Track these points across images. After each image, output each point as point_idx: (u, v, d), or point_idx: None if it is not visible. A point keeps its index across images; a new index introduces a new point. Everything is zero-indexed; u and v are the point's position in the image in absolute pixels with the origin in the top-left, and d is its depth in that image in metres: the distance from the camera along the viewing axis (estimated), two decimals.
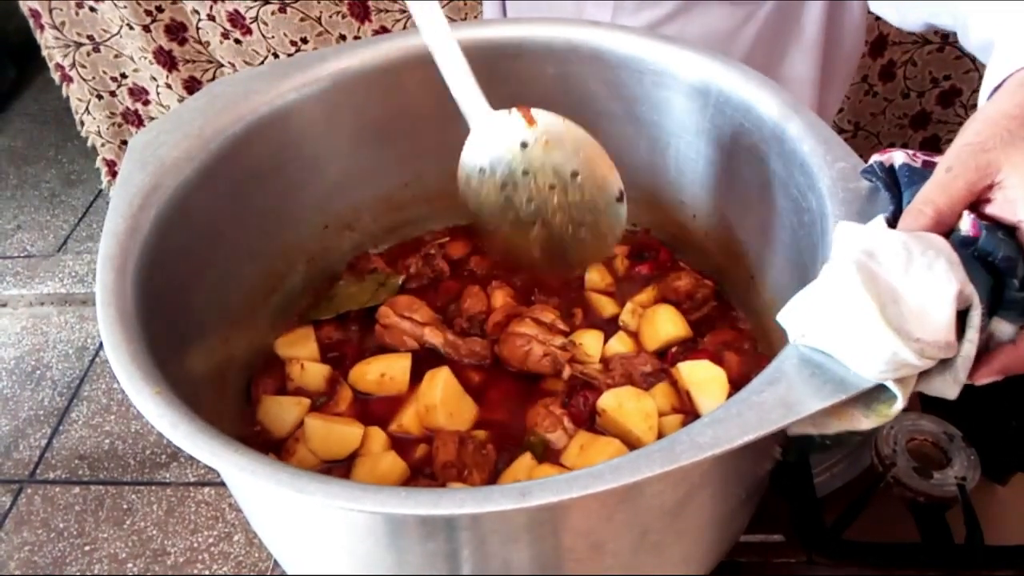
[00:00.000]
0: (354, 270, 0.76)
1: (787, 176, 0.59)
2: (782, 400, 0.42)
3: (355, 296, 0.73)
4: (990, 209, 0.45)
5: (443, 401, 0.63)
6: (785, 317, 0.45)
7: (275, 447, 0.64)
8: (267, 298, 0.71)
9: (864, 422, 0.43)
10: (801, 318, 0.44)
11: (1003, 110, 0.47)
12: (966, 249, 0.44)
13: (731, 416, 0.42)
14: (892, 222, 0.47)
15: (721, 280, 0.73)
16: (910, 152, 0.52)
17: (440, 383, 0.64)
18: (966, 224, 0.45)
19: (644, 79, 0.68)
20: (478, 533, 0.45)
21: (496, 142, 0.62)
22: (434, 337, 0.68)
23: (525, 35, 0.70)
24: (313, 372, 0.67)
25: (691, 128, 0.68)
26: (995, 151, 0.45)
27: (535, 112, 0.61)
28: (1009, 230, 0.45)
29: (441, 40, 0.59)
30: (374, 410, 0.66)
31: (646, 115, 0.70)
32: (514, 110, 0.61)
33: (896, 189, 0.49)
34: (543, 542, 0.46)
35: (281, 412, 0.65)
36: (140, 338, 0.49)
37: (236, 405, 0.66)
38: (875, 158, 0.52)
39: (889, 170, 0.51)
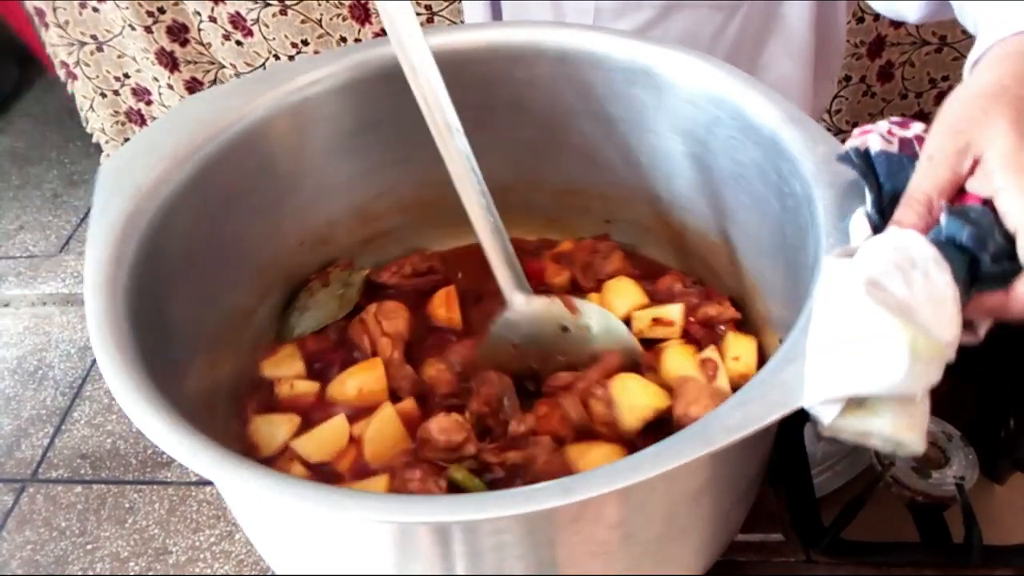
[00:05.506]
0: (319, 274, 0.75)
1: (766, 163, 0.60)
2: (804, 377, 0.43)
3: (326, 304, 0.72)
4: (970, 184, 0.47)
5: (372, 442, 0.62)
6: (817, 393, 0.42)
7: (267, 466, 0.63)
8: (248, 319, 0.70)
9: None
10: (834, 380, 0.42)
11: (976, 90, 0.48)
12: (938, 236, 0.46)
13: (755, 397, 0.43)
14: (873, 213, 0.49)
15: (701, 269, 0.74)
16: (885, 130, 0.53)
17: (374, 425, 0.63)
18: (943, 214, 0.47)
19: (614, 77, 0.68)
20: (517, 534, 0.45)
21: (535, 325, 0.67)
22: (383, 351, 0.68)
23: (492, 39, 0.69)
24: (302, 389, 0.66)
25: (664, 122, 0.68)
26: (970, 131, 0.46)
27: (577, 302, 0.66)
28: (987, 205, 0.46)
29: (483, 215, 0.62)
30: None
31: (618, 112, 0.70)
32: (556, 300, 0.66)
33: (874, 178, 0.50)
34: (580, 535, 0.46)
35: (272, 429, 0.64)
36: (140, 368, 0.48)
37: (226, 431, 0.65)
38: (851, 143, 0.53)
39: (865, 155, 0.52)
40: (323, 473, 0.62)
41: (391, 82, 0.66)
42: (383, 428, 0.62)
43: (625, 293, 0.72)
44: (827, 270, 0.45)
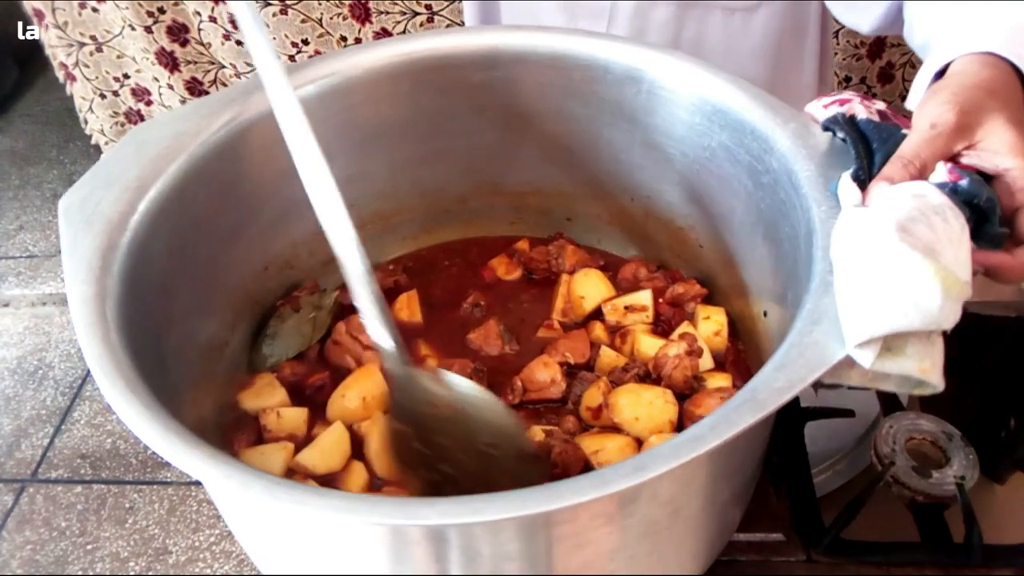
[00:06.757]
0: (287, 299, 0.74)
1: (735, 145, 0.61)
2: (835, 336, 0.44)
3: (298, 330, 0.70)
4: (966, 160, 0.50)
5: (379, 455, 0.61)
6: (859, 334, 0.44)
7: None
8: (221, 351, 0.68)
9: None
10: (874, 320, 0.43)
11: (976, 82, 0.52)
12: (943, 191, 0.49)
13: (793, 359, 0.44)
14: (860, 177, 0.51)
15: (665, 255, 0.75)
16: (859, 96, 0.57)
17: (375, 438, 0.61)
18: (942, 172, 0.49)
19: (572, 75, 0.68)
20: (577, 524, 0.45)
21: (411, 399, 0.58)
22: (372, 361, 0.67)
23: (447, 46, 0.69)
24: (290, 417, 0.64)
25: (625, 116, 0.68)
26: (974, 115, 0.50)
27: (450, 377, 0.58)
28: (982, 177, 0.50)
29: (355, 269, 0.56)
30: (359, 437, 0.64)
31: (577, 110, 0.70)
32: (440, 371, 0.58)
33: (864, 143, 0.53)
34: (632, 517, 0.46)
35: (265, 461, 0.62)
36: (150, 404, 0.47)
37: None
38: (832, 111, 0.56)
39: (851, 121, 0.54)
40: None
41: (344, 97, 0.66)
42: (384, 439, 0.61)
43: (593, 285, 0.73)
44: (850, 220, 0.48)
